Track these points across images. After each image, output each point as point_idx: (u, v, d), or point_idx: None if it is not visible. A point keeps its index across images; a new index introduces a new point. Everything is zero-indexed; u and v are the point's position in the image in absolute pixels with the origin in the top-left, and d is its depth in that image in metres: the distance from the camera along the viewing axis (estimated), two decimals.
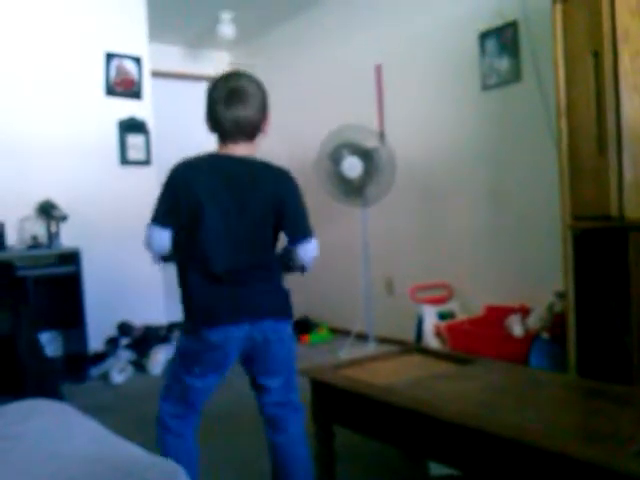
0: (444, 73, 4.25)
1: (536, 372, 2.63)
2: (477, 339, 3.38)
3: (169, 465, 1.44)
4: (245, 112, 1.94)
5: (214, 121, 1.97)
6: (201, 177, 1.94)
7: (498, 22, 3.86)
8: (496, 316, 3.55)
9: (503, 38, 3.86)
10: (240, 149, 1.98)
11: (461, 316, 3.83)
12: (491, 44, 3.95)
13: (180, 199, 1.92)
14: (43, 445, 1.61)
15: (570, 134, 2.81)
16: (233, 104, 1.93)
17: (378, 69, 4.69)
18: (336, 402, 2.31)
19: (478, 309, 3.81)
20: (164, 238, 1.95)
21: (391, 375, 2.31)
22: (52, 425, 1.77)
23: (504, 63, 3.88)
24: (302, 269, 2.08)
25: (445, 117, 4.26)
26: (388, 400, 2.02)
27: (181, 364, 2.04)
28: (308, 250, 2.03)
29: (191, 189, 1.91)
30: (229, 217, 1.93)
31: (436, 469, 2.34)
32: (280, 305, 2.05)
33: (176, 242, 1.96)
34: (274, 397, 2.08)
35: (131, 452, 1.57)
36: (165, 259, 2.05)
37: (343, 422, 2.31)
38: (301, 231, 2.02)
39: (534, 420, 1.82)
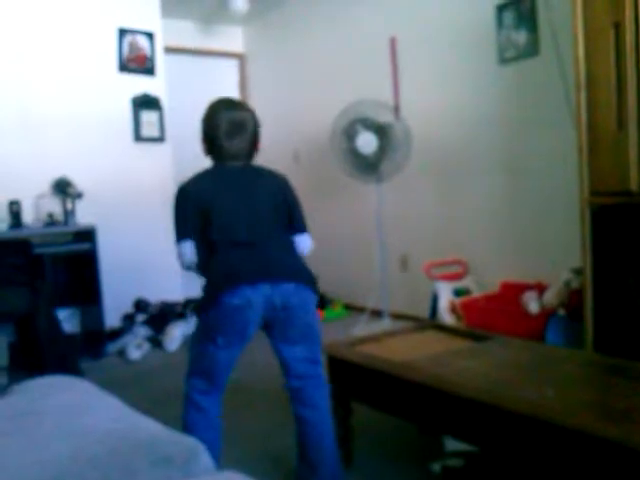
0: (460, 46, 4.18)
1: (553, 349, 2.62)
2: (493, 316, 3.37)
3: (190, 442, 1.44)
4: (243, 144, 2.14)
5: (213, 149, 2.14)
6: (205, 183, 2.14)
7: None
8: (512, 293, 3.53)
9: (521, 10, 3.79)
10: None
11: (476, 293, 3.82)
12: (509, 16, 3.87)
13: (190, 208, 2.08)
14: (65, 421, 1.62)
15: (589, 109, 2.76)
16: (234, 137, 2.11)
17: (393, 42, 4.62)
18: (353, 378, 2.32)
19: (494, 286, 3.79)
20: (187, 248, 2.10)
21: (408, 351, 2.32)
22: (73, 402, 1.79)
23: (522, 36, 3.81)
24: None
25: (461, 91, 4.20)
26: (406, 377, 2.03)
27: (204, 337, 2.08)
28: (307, 242, 2.23)
29: (198, 194, 2.09)
30: (241, 201, 2.09)
31: (451, 445, 2.35)
32: (302, 273, 2.13)
33: (198, 238, 2.11)
34: (297, 368, 2.11)
35: (152, 429, 1.57)
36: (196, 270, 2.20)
37: (360, 398, 2.33)
38: (301, 225, 2.22)
39: (552, 397, 1.82)
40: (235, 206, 2.08)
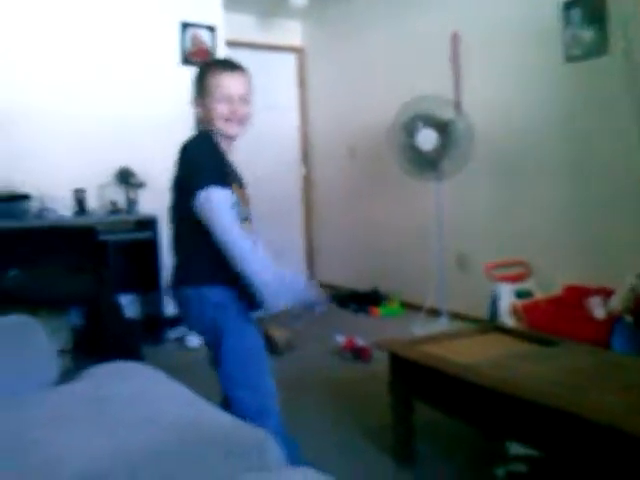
0: (525, 43, 4.08)
1: (621, 356, 2.54)
2: (556, 319, 3.29)
3: (261, 434, 1.43)
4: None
5: None
6: None
7: None
8: (576, 296, 3.44)
9: (589, 7, 3.67)
10: None
11: (538, 295, 3.74)
12: (576, 13, 3.76)
13: None
14: (133, 408, 1.63)
15: None
16: None
17: (455, 37, 4.56)
18: (415, 377, 2.30)
19: (556, 288, 3.70)
20: None
21: (471, 353, 2.28)
22: (141, 388, 1.79)
23: (589, 34, 3.69)
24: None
25: (525, 89, 4.11)
26: (472, 379, 2.00)
27: None
28: (201, 200, 1.74)
29: None
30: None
31: (515, 449, 2.31)
32: (179, 275, 1.93)
33: None
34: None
35: (220, 419, 1.57)
36: None
37: (422, 397, 2.30)
38: (195, 184, 1.77)
39: (621, 405, 1.77)
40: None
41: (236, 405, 1.84)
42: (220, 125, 1.91)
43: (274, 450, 1.42)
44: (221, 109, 1.90)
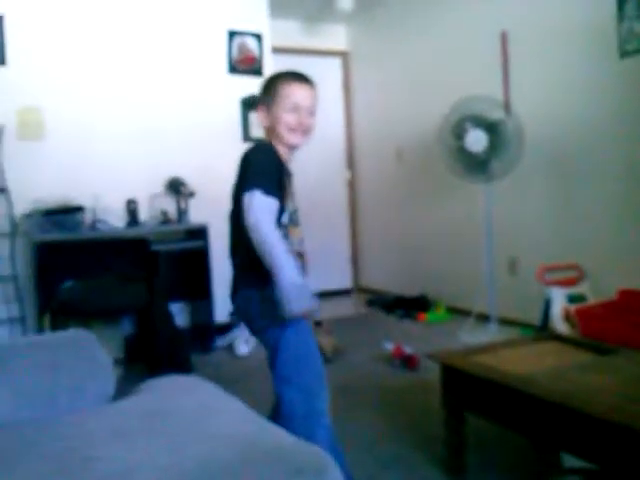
0: (576, 39, 3.99)
1: None
2: (611, 325, 3.21)
3: (319, 452, 1.42)
4: None
5: None
6: None
7: None
8: (632, 301, 3.35)
9: None
10: None
11: (592, 300, 3.65)
12: (631, 6, 3.66)
13: None
14: (191, 423, 1.63)
15: None
16: None
17: (504, 36, 4.48)
18: (468, 389, 2.27)
19: (611, 293, 3.61)
20: None
21: (527, 364, 2.24)
22: (198, 403, 1.80)
23: None
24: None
25: (578, 87, 4.01)
26: (529, 392, 1.96)
27: None
28: (245, 204, 1.79)
29: None
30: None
31: (569, 461, 2.26)
32: (238, 280, 2.01)
33: None
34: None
35: (279, 436, 1.56)
36: None
37: (475, 410, 2.27)
38: (245, 186, 1.82)
39: None
40: None
41: (286, 406, 1.89)
42: (284, 134, 1.97)
43: (333, 471, 1.40)
44: (287, 118, 1.95)
